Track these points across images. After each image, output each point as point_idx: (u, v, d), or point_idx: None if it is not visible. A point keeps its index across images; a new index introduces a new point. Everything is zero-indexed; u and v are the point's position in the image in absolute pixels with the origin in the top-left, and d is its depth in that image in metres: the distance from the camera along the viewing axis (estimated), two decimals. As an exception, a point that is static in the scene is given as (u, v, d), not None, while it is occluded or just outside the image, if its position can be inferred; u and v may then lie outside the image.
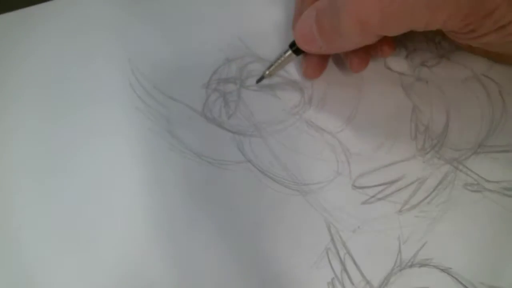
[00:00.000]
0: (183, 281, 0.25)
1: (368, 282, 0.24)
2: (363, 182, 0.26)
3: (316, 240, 0.25)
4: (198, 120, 0.29)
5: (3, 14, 0.33)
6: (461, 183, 0.26)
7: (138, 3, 0.33)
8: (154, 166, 0.28)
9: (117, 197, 0.27)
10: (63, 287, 0.25)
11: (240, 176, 0.27)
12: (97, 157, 0.28)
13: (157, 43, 0.32)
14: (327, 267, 0.24)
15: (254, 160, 0.27)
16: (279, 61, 0.28)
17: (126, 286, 0.25)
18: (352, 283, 0.24)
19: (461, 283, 0.23)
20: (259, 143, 0.28)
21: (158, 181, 0.27)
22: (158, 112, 0.29)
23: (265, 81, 0.29)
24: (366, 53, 0.27)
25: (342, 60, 0.30)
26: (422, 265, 0.24)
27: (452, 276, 0.24)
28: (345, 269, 0.24)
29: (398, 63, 0.30)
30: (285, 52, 0.28)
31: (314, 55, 0.28)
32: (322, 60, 0.28)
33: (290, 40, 0.27)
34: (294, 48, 0.27)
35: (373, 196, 0.26)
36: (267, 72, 0.28)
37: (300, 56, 0.28)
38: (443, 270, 0.24)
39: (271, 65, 0.28)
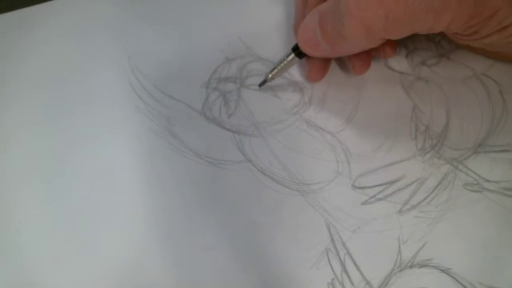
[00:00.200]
0: (183, 281, 0.25)
1: (368, 282, 0.24)
2: (363, 182, 0.26)
3: (316, 240, 0.25)
4: (198, 119, 0.29)
5: (3, 14, 0.33)
6: (461, 183, 0.26)
7: (138, 3, 0.33)
8: (154, 165, 0.28)
9: (116, 196, 0.27)
10: (63, 287, 0.25)
11: (240, 175, 0.27)
12: (97, 156, 0.28)
13: (157, 42, 0.32)
14: (327, 267, 0.24)
15: (254, 160, 0.27)
16: (282, 64, 0.28)
17: (126, 286, 0.25)
18: (352, 284, 0.24)
19: (461, 283, 0.23)
20: (259, 142, 0.28)
21: (157, 180, 0.27)
22: (158, 111, 0.29)
23: (265, 81, 0.29)
24: (368, 55, 0.27)
25: (344, 61, 0.30)
26: (422, 265, 0.24)
27: (452, 276, 0.24)
28: (345, 270, 0.24)
29: (398, 62, 0.30)
30: (287, 56, 0.27)
31: (317, 58, 0.27)
32: (325, 63, 0.28)
33: (290, 40, 0.27)
34: (297, 51, 0.27)
35: (373, 196, 0.26)
36: (270, 76, 0.28)
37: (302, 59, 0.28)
38: (443, 271, 0.24)
39: (274, 68, 0.28)
